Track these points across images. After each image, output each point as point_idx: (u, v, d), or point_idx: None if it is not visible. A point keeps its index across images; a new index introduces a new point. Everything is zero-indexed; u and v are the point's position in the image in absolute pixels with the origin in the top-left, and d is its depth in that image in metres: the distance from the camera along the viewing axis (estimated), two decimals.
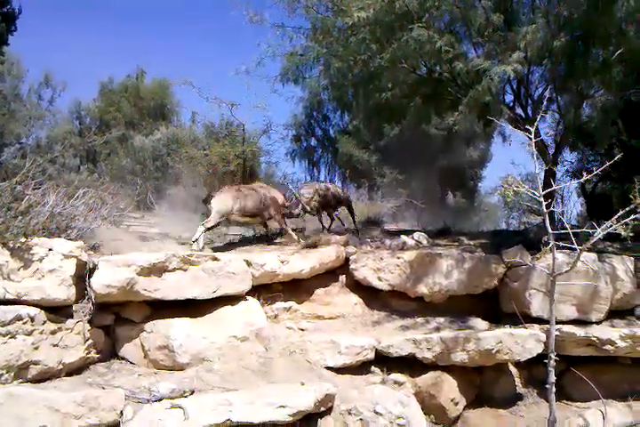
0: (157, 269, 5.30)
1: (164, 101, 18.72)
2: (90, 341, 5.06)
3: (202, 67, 35.08)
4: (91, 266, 5.25)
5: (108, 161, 15.51)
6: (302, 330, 6.06)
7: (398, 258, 6.62)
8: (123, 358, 5.33)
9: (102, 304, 5.26)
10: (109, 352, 5.36)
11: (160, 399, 4.37)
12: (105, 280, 5.03)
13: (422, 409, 5.22)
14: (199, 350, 5.22)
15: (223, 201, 7.05)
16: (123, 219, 7.45)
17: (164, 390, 4.47)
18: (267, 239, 7.58)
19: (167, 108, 18.90)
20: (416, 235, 7.60)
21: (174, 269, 5.41)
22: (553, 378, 4.66)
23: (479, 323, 6.30)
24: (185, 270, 5.47)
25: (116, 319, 5.41)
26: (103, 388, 4.54)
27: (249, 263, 5.97)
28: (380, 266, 6.61)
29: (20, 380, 4.53)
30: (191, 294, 5.43)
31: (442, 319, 6.33)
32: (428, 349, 5.60)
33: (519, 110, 8.25)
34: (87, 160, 15.76)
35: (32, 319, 4.68)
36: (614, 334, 5.79)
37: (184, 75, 9.10)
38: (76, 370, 4.92)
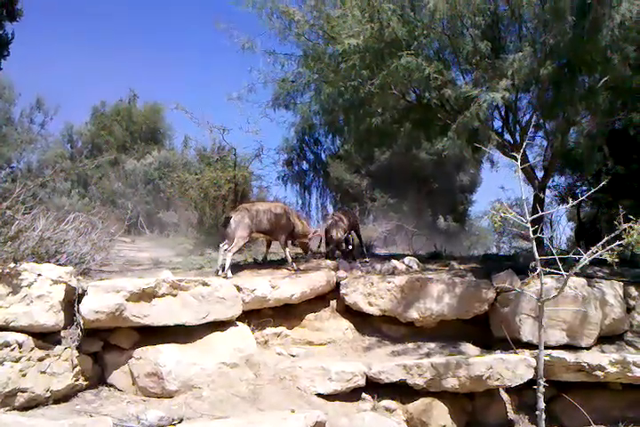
0: (147, 295, 5.28)
1: (156, 125, 18.84)
2: (78, 368, 5.01)
3: (194, 91, 35.41)
4: (80, 291, 5.23)
5: (100, 185, 15.53)
6: (293, 356, 6.02)
7: (389, 283, 6.62)
8: (111, 386, 5.27)
9: (91, 330, 5.21)
10: (98, 379, 5.30)
11: None
12: (94, 306, 5.01)
13: None
14: (188, 376, 5.16)
15: (244, 222, 6.76)
16: (113, 243, 7.43)
17: (153, 418, 4.41)
18: (258, 263, 7.56)
19: (159, 132, 19.01)
20: (407, 259, 7.61)
21: (164, 295, 5.39)
22: (542, 404, 4.64)
23: (470, 348, 6.29)
24: (174, 296, 5.45)
25: (105, 346, 5.36)
26: (91, 416, 4.49)
27: (239, 288, 5.96)
28: (371, 291, 6.61)
29: (7, 408, 4.47)
30: (181, 319, 5.41)
31: (433, 345, 6.32)
32: (419, 375, 5.57)
33: (507, 136, 8.36)
34: (78, 184, 15.75)
35: (20, 346, 4.64)
36: (604, 360, 5.77)
37: (176, 99, 9.21)
38: (63, 397, 4.86)
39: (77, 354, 5.04)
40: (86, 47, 37.68)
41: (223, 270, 6.55)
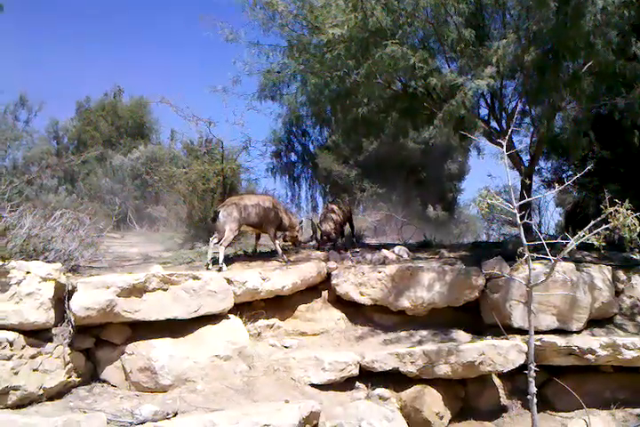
0: (137, 290, 5.27)
1: (142, 120, 18.69)
2: (70, 364, 5.00)
3: (179, 84, 35.08)
4: (69, 288, 5.21)
5: (87, 181, 15.41)
6: (286, 347, 6.04)
7: (379, 272, 6.64)
8: (104, 381, 5.27)
9: (82, 327, 5.20)
10: (90, 375, 5.30)
11: (143, 422, 4.31)
12: (84, 302, 5.00)
13: (408, 424, 5.20)
14: (182, 370, 5.17)
15: (233, 216, 6.83)
16: (102, 239, 7.39)
17: (147, 412, 4.42)
18: (248, 256, 7.56)
19: (145, 127, 18.86)
20: (397, 249, 7.63)
21: (154, 290, 5.38)
22: (534, 389, 4.70)
23: (461, 335, 6.33)
24: (165, 290, 5.44)
25: (97, 342, 5.36)
26: (85, 412, 4.49)
27: (230, 281, 5.96)
28: (362, 281, 6.63)
29: (0, 406, 4.45)
30: (172, 314, 5.41)
31: (424, 332, 6.36)
32: (412, 362, 5.61)
33: (494, 123, 8.39)
34: (65, 181, 15.62)
35: (11, 344, 4.62)
36: (594, 343, 5.84)
37: (161, 92, 9.09)
38: (57, 395, 4.86)
39: (69, 351, 5.03)
40: (70, 42, 37.22)
41: (214, 264, 6.58)
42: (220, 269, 6.43)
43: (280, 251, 7.25)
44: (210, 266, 6.59)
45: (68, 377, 4.96)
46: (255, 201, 7.20)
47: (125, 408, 4.54)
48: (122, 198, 13.91)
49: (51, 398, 4.79)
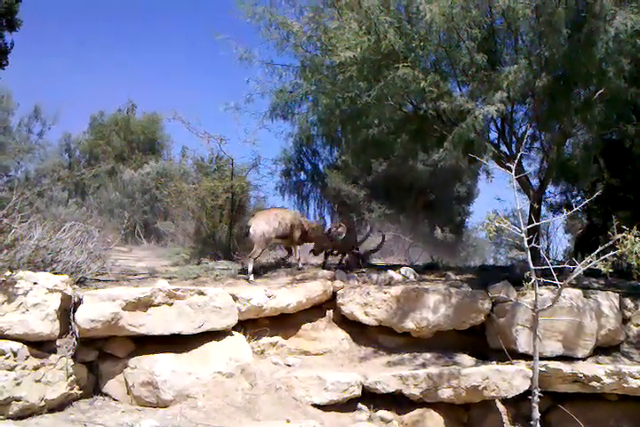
0: (143, 304, 5.29)
1: (154, 135, 18.88)
2: (73, 377, 5.01)
3: (192, 101, 35.48)
4: (75, 300, 5.24)
5: (97, 194, 15.52)
6: (289, 366, 6.01)
7: (385, 293, 6.62)
8: (106, 395, 5.28)
9: (86, 339, 5.22)
10: (93, 388, 5.31)
11: None
12: (89, 315, 5.02)
13: None
14: (184, 386, 5.16)
15: (263, 228, 7.30)
16: (110, 253, 7.42)
17: None
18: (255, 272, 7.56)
19: (157, 143, 19.04)
20: (403, 270, 7.62)
21: (160, 304, 5.40)
22: (537, 414, 4.64)
23: (466, 359, 6.29)
24: (170, 305, 5.46)
25: (100, 355, 5.37)
26: (85, 425, 4.49)
27: (235, 298, 5.96)
28: (367, 301, 6.61)
29: (1, 416, 4.46)
30: (176, 329, 5.41)
31: (428, 355, 6.31)
32: (415, 385, 5.57)
33: (503, 147, 8.39)
34: (76, 193, 15.75)
35: (15, 354, 4.64)
36: (600, 371, 5.79)
37: (174, 109, 9.17)
38: (58, 407, 4.87)
39: (72, 363, 5.04)
40: (86, 57, 37.86)
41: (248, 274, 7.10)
42: (248, 280, 6.92)
43: (298, 262, 7.90)
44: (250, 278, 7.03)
45: (70, 389, 4.96)
46: (281, 214, 7.76)
47: (126, 422, 4.54)
48: (130, 213, 13.97)
49: (52, 410, 4.80)
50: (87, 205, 14.53)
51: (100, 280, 6.58)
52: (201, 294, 5.65)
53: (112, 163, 16.55)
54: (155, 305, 5.37)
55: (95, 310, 5.05)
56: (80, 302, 5.15)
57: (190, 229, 9.56)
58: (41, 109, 16.35)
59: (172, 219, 10.95)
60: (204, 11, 39.41)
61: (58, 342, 5.06)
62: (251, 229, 7.24)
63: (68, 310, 5.17)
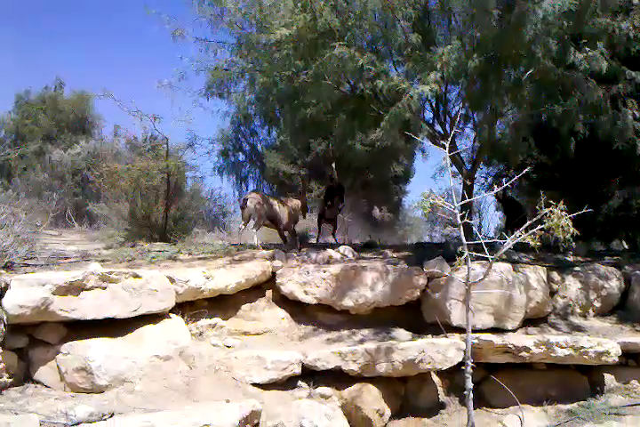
0: (74, 288, 5.12)
1: (83, 114, 18.19)
2: (2, 364, 4.83)
3: (124, 79, 34.32)
4: (3, 285, 5.01)
5: (24, 176, 14.88)
6: (228, 347, 5.96)
7: (324, 272, 6.67)
8: (38, 382, 5.10)
9: (15, 325, 5.02)
10: (23, 376, 5.12)
11: (77, 424, 4.18)
12: (18, 300, 4.83)
13: (349, 421, 5.25)
14: (119, 371, 5.05)
15: (259, 203, 7.89)
16: (38, 236, 7.14)
17: (82, 413, 4.28)
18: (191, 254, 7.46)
19: (87, 122, 18.36)
20: (342, 248, 7.69)
21: (92, 288, 5.25)
22: (470, 385, 4.82)
23: (402, 334, 6.43)
24: (104, 288, 5.31)
25: (31, 341, 5.19)
26: (16, 413, 4.32)
27: (172, 280, 5.85)
28: (307, 280, 6.64)
29: None
30: (111, 313, 5.28)
31: (367, 331, 6.42)
32: (354, 361, 5.65)
33: (438, 127, 8.57)
34: (1, 175, 15.04)
35: None
36: (529, 342, 6.02)
37: (105, 87, 8.84)
38: None
39: (1, 350, 4.85)
40: (8, 32, 35.81)
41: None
42: (254, 247, 7.64)
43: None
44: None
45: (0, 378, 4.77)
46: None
47: (60, 409, 4.39)
48: (60, 195, 13.47)
49: None
50: (13, 187, 13.90)
51: (28, 265, 6.34)
52: (136, 276, 5.52)
53: (39, 143, 15.84)
54: (87, 289, 5.21)
55: (24, 295, 4.86)
56: (7, 287, 4.94)
57: (124, 211, 9.30)
58: None
59: (105, 201, 10.62)
60: None
61: None
62: (248, 202, 7.80)
63: None
